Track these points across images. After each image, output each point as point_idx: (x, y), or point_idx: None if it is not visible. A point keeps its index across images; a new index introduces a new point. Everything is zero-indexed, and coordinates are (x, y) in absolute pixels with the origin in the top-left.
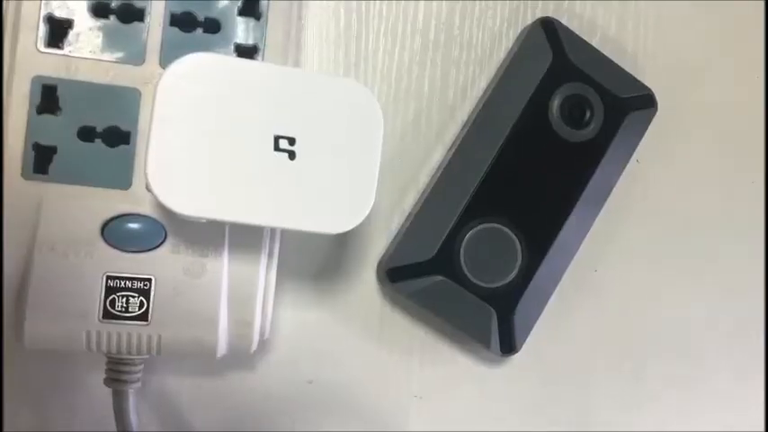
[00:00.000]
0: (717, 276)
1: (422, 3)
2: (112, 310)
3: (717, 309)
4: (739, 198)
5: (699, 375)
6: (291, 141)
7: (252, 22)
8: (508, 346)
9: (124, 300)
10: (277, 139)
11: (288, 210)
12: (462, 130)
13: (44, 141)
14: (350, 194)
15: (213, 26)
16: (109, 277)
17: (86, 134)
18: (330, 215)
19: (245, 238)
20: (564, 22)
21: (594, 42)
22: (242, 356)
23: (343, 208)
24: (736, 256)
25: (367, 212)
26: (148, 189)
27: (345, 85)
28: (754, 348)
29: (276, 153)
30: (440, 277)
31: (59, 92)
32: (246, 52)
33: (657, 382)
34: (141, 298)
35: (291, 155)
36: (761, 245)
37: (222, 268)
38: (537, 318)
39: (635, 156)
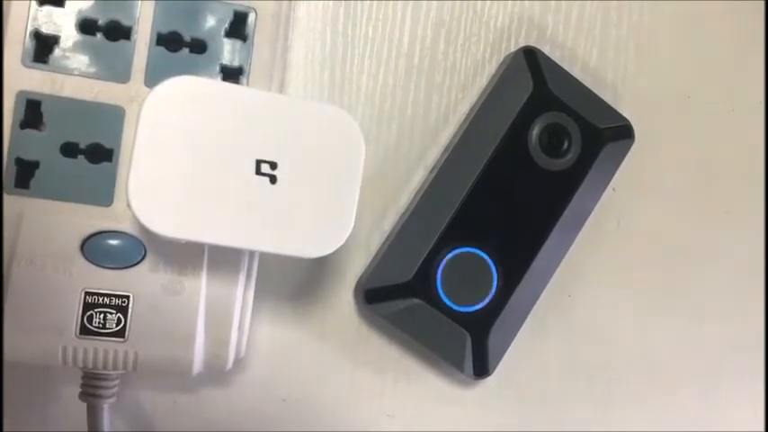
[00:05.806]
0: (689, 303)
1: (407, 27)
2: (90, 326)
3: (688, 335)
4: (712, 228)
5: (669, 400)
6: (273, 166)
7: (238, 43)
8: (481, 369)
9: (102, 316)
10: (259, 163)
11: (267, 233)
12: (443, 154)
13: (27, 156)
14: (329, 220)
15: (199, 46)
16: (87, 293)
17: (69, 150)
18: (309, 240)
19: (223, 257)
20: (546, 50)
21: (576, 71)
22: (217, 374)
23: (321, 233)
24: (708, 284)
25: (345, 239)
26: (129, 207)
27: (328, 111)
28: (726, 373)
29: (257, 177)
30: (416, 300)
31: (44, 107)
32: (232, 73)
33: (628, 406)
34: (119, 315)
35: (273, 179)
36: (733, 273)
37: (200, 287)
38: (510, 341)
39: (611, 184)
